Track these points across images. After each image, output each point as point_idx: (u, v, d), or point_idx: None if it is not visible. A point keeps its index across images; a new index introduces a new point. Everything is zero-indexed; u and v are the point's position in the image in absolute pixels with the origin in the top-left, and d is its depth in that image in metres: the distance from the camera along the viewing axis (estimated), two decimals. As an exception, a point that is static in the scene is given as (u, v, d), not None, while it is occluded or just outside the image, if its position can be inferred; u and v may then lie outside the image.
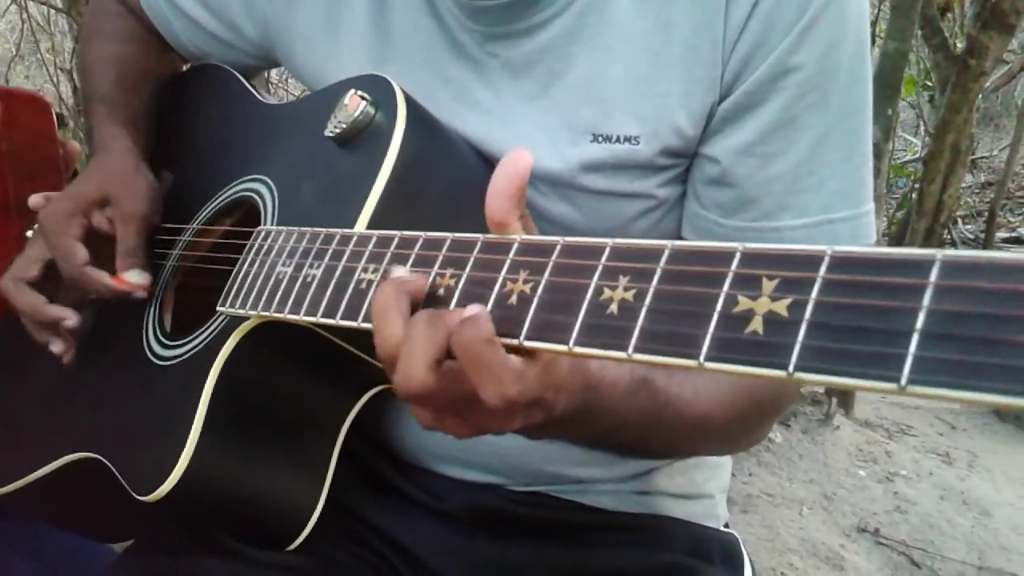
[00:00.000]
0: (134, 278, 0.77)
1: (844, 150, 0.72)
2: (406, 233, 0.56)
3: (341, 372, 0.71)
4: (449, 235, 0.53)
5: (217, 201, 0.83)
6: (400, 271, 0.53)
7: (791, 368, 0.32)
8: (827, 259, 0.34)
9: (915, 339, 0.29)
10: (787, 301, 0.34)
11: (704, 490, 0.90)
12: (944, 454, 2.91)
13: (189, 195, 0.87)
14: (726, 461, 0.96)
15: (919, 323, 0.29)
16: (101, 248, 0.79)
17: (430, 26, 0.79)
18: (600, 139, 0.74)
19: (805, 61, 0.69)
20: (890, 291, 0.31)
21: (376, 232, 0.58)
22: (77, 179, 0.84)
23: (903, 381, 0.29)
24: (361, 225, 0.64)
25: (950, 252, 0.30)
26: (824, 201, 0.71)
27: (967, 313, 0.29)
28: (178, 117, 0.96)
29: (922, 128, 5.46)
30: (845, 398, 3.01)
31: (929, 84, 4.24)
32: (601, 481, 0.83)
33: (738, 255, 0.37)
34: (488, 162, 0.76)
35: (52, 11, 5.34)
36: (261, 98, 0.89)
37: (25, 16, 5.98)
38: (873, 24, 3.00)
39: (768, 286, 0.35)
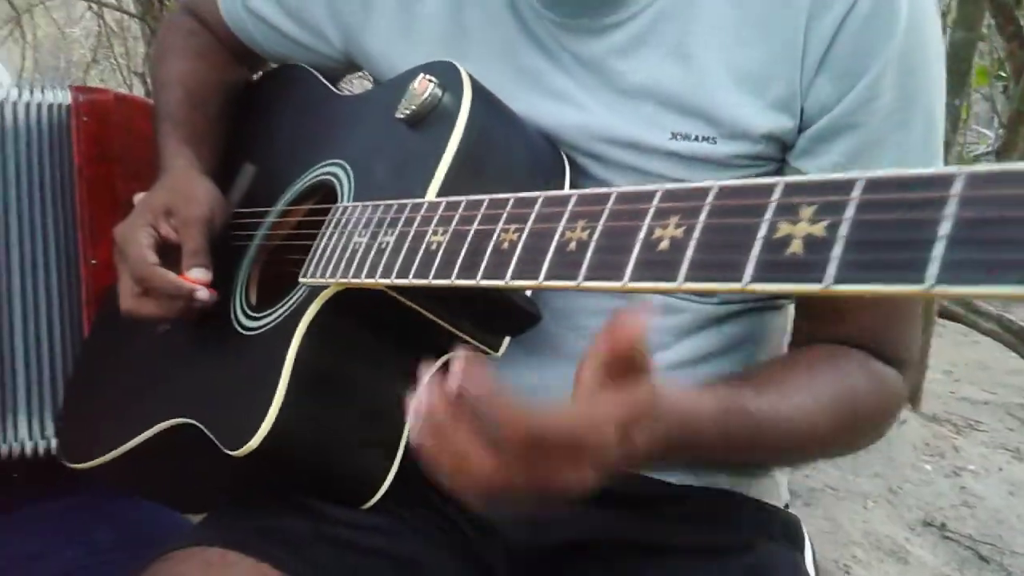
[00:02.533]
0: (198, 275, 0.83)
1: (924, 163, 0.75)
2: (472, 197, 0.60)
3: (417, 338, 0.75)
4: (512, 195, 0.57)
5: (298, 186, 0.89)
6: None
7: (828, 282, 0.36)
8: (861, 182, 0.37)
9: (941, 245, 0.32)
10: (825, 223, 0.37)
11: (766, 471, 0.92)
12: (1014, 449, 2.86)
13: (272, 183, 0.92)
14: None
15: (944, 230, 0.32)
16: (171, 253, 0.85)
17: (507, 19, 0.83)
18: (679, 137, 0.77)
19: (892, 86, 0.73)
20: (917, 205, 0.34)
21: (444, 199, 0.63)
22: (145, 194, 0.91)
23: (930, 282, 0.32)
24: (430, 197, 0.69)
25: (973, 167, 0.33)
26: None
27: (988, 219, 0.32)
28: (261, 113, 1.02)
29: (996, 120, 5.37)
30: (912, 393, 2.97)
31: (1003, 75, 4.16)
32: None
33: (780, 186, 0.40)
34: (557, 145, 0.81)
35: (126, 17, 5.54)
36: (328, 87, 0.95)
37: (100, 23, 6.22)
38: (944, 15, 2.98)
39: (807, 212, 0.38)
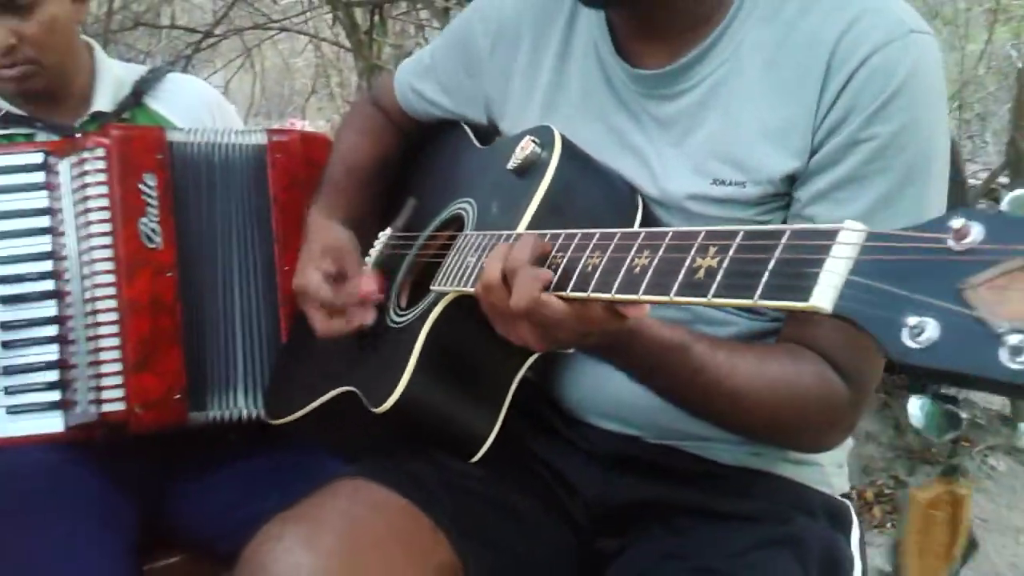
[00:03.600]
0: (366, 285, 1.13)
1: (910, 215, 0.90)
2: (548, 231, 0.84)
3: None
4: (582, 231, 0.79)
5: (442, 216, 1.15)
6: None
7: (709, 296, 0.56)
8: (740, 234, 0.57)
9: (766, 275, 0.52)
10: (716, 259, 0.57)
11: (812, 459, 1.08)
12: None
13: (426, 213, 1.19)
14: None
15: (769, 266, 0.52)
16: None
17: (602, 89, 1.06)
18: (717, 182, 0.98)
19: (876, 135, 0.90)
20: (761, 249, 0.54)
21: (529, 232, 0.87)
22: (303, 249, 1.24)
23: (757, 299, 0.52)
24: (520, 230, 0.93)
25: (801, 227, 0.53)
26: None
27: (795, 259, 0.51)
28: (425, 158, 1.30)
29: None
30: (1082, 433, 2.90)
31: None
32: (719, 440, 1.04)
33: (702, 234, 0.61)
34: (633, 188, 1.03)
35: (341, 51, 6.10)
36: (476, 143, 1.21)
37: (319, 55, 6.86)
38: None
39: (712, 251, 0.59)
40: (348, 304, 1.13)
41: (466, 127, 1.25)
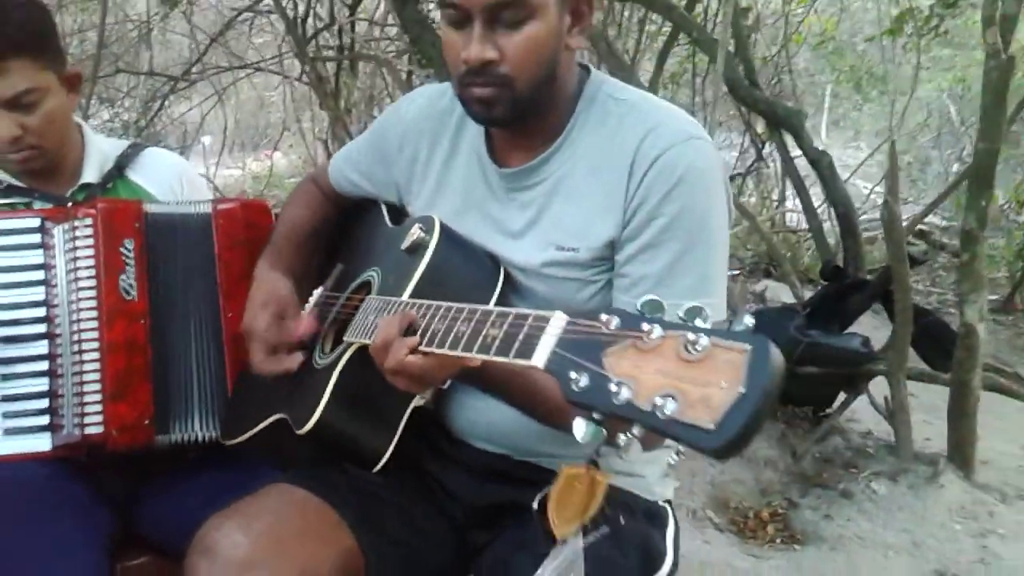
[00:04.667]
0: (303, 326, 1.45)
1: (692, 276, 1.24)
2: (414, 300, 1.16)
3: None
4: (439, 304, 1.12)
5: (358, 280, 1.47)
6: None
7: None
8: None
9: (516, 344, 0.86)
10: (498, 330, 0.91)
11: (637, 471, 1.40)
12: (1056, 522, 3.06)
13: (349, 276, 1.52)
14: (655, 456, 1.44)
15: (519, 337, 0.86)
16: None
17: (479, 181, 1.40)
18: (560, 249, 1.31)
19: (663, 214, 1.24)
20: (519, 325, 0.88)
21: (412, 300, 1.19)
22: (249, 298, 1.52)
23: (511, 357, 0.86)
24: (404, 298, 1.25)
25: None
26: (676, 295, 1.23)
27: (529, 334, 0.85)
28: (351, 230, 1.63)
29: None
30: (963, 459, 3.22)
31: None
32: (566, 456, 1.36)
33: (493, 312, 0.94)
34: (497, 262, 1.35)
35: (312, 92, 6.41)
36: (388, 222, 1.54)
37: (293, 92, 7.18)
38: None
39: (496, 324, 0.92)
40: (285, 342, 1.44)
41: (383, 207, 1.57)
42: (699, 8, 5.38)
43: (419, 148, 1.47)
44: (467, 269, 1.34)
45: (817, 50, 7.78)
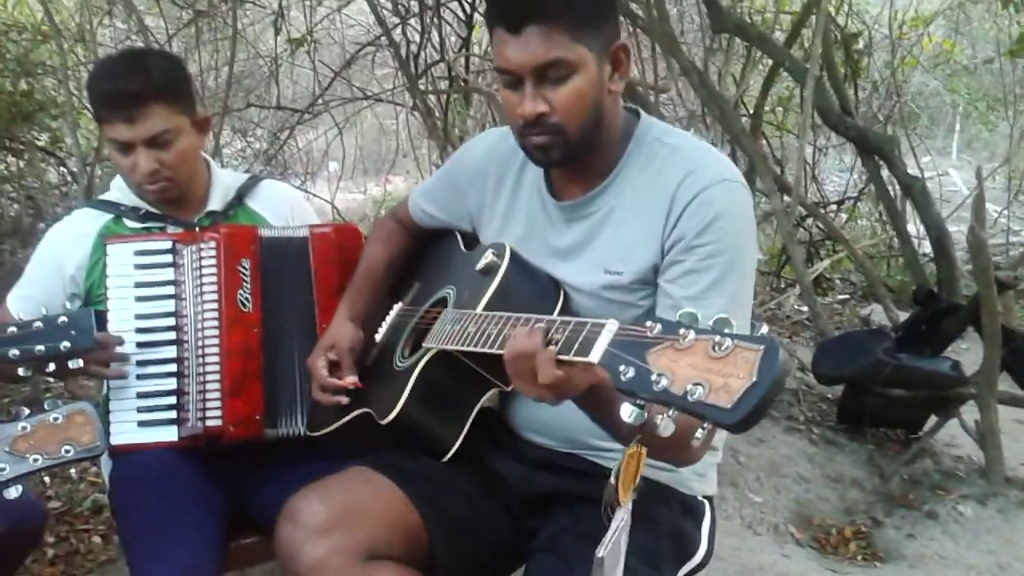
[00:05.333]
0: (349, 377, 1.67)
1: (724, 298, 1.40)
2: (487, 312, 1.36)
3: (474, 378, 1.52)
4: (507, 313, 1.32)
5: (435, 296, 1.69)
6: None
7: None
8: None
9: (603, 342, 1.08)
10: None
11: (672, 468, 1.55)
12: None
13: (426, 293, 1.74)
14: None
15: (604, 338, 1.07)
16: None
17: (540, 213, 1.60)
18: (608, 272, 1.49)
19: (701, 244, 1.42)
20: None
21: (486, 312, 1.39)
22: (322, 336, 1.79)
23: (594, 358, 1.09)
24: (479, 310, 1.45)
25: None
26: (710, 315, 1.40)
27: (588, 337, 1.05)
28: (428, 254, 1.85)
29: None
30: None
31: None
32: (609, 450, 1.53)
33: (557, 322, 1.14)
34: (557, 283, 1.55)
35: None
36: (462, 247, 1.75)
37: (414, 118, 7.54)
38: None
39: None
40: (333, 386, 1.70)
41: (458, 234, 1.79)
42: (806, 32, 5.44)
43: (488, 183, 1.68)
44: (531, 288, 1.54)
45: (935, 72, 7.65)
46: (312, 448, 1.88)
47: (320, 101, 5.56)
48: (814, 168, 6.82)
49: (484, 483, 1.60)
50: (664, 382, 1.01)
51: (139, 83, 1.87)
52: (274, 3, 5.12)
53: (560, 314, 1.50)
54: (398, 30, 5.06)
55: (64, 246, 2.00)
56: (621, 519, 1.23)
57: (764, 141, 5.81)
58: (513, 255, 1.55)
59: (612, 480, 1.23)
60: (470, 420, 1.56)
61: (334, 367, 1.72)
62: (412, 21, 5.18)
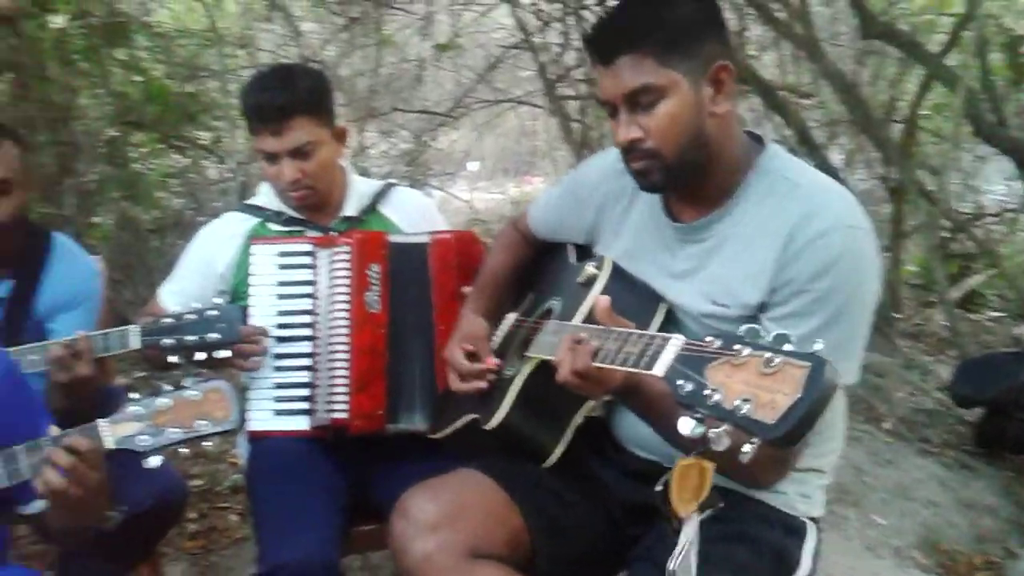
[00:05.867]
0: (492, 360, 1.75)
1: (836, 340, 1.39)
2: (583, 324, 1.42)
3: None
4: (596, 326, 1.37)
5: (544, 306, 1.76)
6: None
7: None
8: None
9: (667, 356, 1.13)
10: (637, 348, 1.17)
11: (779, 487, 1.57)
12: None
13: (538, 303, 1.80)
14: (799, 477, 1.59)
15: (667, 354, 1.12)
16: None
17: (652, 231, 1.63)
18: (715, 304, 1.51)
19: (812, 290, 1.42)
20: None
21: (582, 324, 1.45)
22: (454, 331, 1.87)
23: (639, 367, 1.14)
24: (575, 323, 1.51)
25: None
26: None
27: (654, 351, 1.10)
28: (543, 266, 1.92)
29: None
30: None
31: None
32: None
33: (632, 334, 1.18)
34: (658, 297, 1.58)
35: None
36: (572, 260, 1.81)
37: (555, 119, 7.64)
38: None
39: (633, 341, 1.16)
40: (471, 374, 1.77)
41: (571, 246, 1.85)
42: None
43: (605, 199, 1.73)
44: (630, 301, 1.58)
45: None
46: (430, 447, 1.98)
47: (461, 104, 5.73)
48: (972, 178, 6.50)
49: (587, 490, 1.66)
50: (717, 396, 1.06)
51: (285, 98, 2.03)
52: (422, 10, 5.30)
53: (660, 330, 1.54)
54: (541, 35, 5.14)
55: (215, 246, 2.18)
56: (688, 534, 1.27)
57: (918, 148, 5.59)
58: (614, 269, 1.60)
59: (660, 487, 1.29)
60: (571, 429, 1.62)
61: (471, 357, 1.79)
62: (555, 26, 5.26)
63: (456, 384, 1.79)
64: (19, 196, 2.06)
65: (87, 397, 1.76)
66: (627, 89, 1.45)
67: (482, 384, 1.73)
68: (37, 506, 1.58)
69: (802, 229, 1.43)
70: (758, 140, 1.58)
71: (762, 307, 1.47)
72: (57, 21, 4.28)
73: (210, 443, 3.30)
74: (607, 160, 1.76)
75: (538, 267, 1.96)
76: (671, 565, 1.23)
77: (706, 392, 1.07)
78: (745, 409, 1.01)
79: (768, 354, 1.03)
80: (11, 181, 2.02)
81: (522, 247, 1.97)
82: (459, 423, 1.77)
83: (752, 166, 1.53)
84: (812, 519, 1.62)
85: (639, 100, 1.45)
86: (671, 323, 1.58)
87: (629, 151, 1.49)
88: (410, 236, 2.15)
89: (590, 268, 1.59)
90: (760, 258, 1.47)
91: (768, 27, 4.31)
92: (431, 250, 2.10)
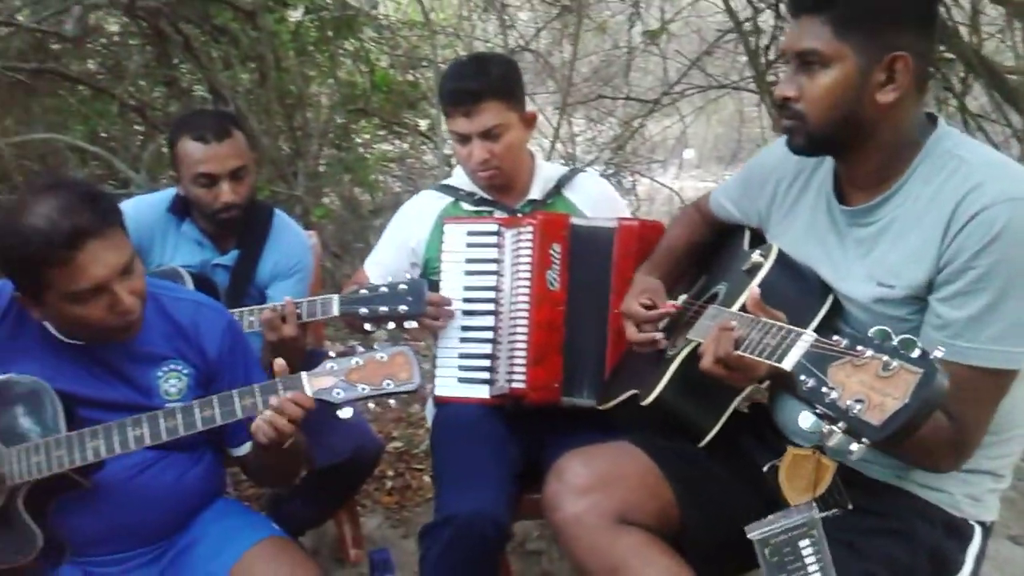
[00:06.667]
0: (670, 303, 1.81)
1: (1000, 324, 1.37)
2: (738, 312, 1.45)
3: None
4: (746, 315, 1.40)
5: (711, 291, 1.79)
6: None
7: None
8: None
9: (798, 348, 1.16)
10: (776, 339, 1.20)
11: (942, 487, 1.53)
12: None
13: (707, 287, 1.84)
14: (967, 478, 1.54)
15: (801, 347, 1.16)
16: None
17: (824, 216, 1.63)
18: (880, 285, 1.50)
19: (977, 266, 1.38)
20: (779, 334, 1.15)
21: (737, 312, 1.48)
22: (630, 289, 1.93)
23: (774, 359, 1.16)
24: (736, 308, 1.54)
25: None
26: (982, 340, 1.38)
27: (784, 343, 1.12)
28: (719, 249, 1.95)
29: None
30: None
31: None
32: (871, 462, 1.54)
33: (773, 325, 1.21)
34: (826, 286, 1.58)
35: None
36: (744, 246, 1.82)
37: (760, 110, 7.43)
38: None
39: (774, 332, 1.20)
40: (652, 319, 1.83)
41: (747, 232, 1.87)
42: None
43: (779, 184, 1.74)
44: (794, 290, 1.59)
45: None
46: (601, 423, 2.05)
47: (670, 91, 5.72)
48: None
49: (742, 472, 1.68)
50: (834, 394, 1.09)
51: (479, 83, 2.17)
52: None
53: (825, 319, 1.54)
54: (751, 21, 5.05)
55: (411, 222, 2.36)
56: (795, 522, 1.29)
57: None
58: (779, 257, 1.61)
59: (765, 470, 1.37)
60: (728, 411, 1.65)
61: (648, 308, 1.87)
62: (768, 12, 5.14)
63: (634, 335, 1.85)
64: (252, 177, 2.36)
65: (293, 355, 1.97)
66: (799, 47, 1.48)
67: (658, 334, 1.80)
68: (245, 448, 1.82)
69: (965, 204, 1.40)
70: (932, 120, 1.55)
71: (929, 286, 1.44)
72: (294, 15, 4.70)
73: (412, 408, 3.58)
74: (785, 145, 1.76)
75: (715, 251, 1.99)
76: (752, 533, 1.27)
77: (824, 389, 1.10)
78: (856, 409, 1.05)
79: (886, 357, 1.06)
80: (246, 167, 2.31)
81: (700, 227, 2.00)
82: (622, 397, 1.83)
83: (922, 147, 1.51)
84: (981, 523, 1.56)
85: (807, 60, 1.48)
86: (837, 313, 1.57)
87: (781, 107, 1.53)
88: (597, 220, 2.23)
89: (756, 256, 1.62)
90: (925, 236, 1.45)
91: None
92: (617, 235, 2.16)
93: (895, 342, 1.08)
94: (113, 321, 1.64)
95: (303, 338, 2.17)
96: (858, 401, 1.05)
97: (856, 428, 1.05)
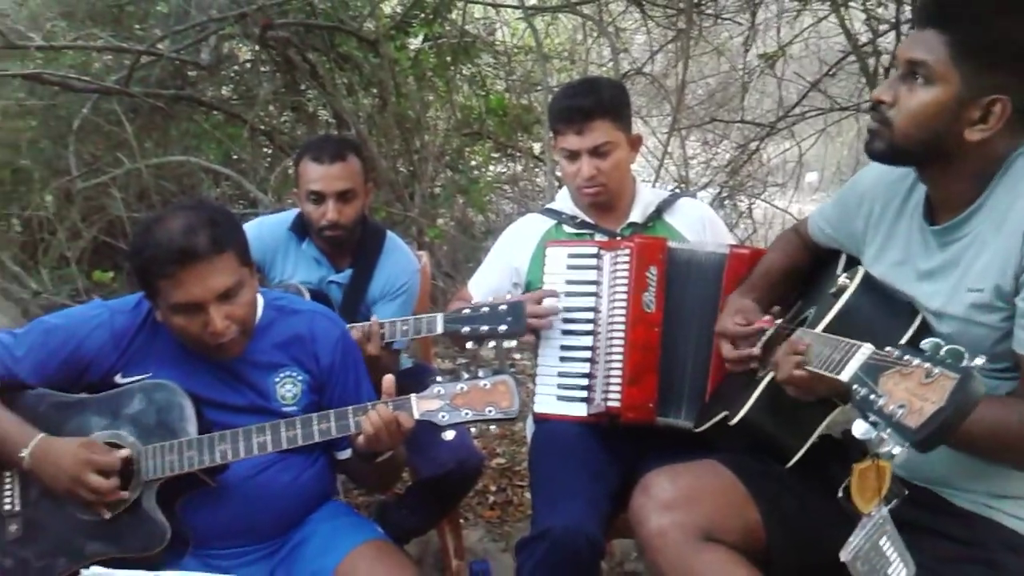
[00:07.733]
0: (766, 317, 1.86)
1: None
2: (820, 333, 1.49)
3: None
4: (819, 333, 1.44)
5: (804, 315, 1.81)
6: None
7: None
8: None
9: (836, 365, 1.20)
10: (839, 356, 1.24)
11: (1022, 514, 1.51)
12: None
13: (803, 310, 1.86)
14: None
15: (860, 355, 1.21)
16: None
17: (917, 237, 1.64)
18: (969, 291, 1.51)
19: None
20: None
21: (822, 334, 1.52)
22: (724, 310, 1.98)
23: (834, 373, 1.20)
24: (818, 331, 1.57)
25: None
26: None
27: (842, 359, 1.17)
28: (814, 275, 1.97)
29: None
30: None
31: None
32: (958, 489, 1.54)
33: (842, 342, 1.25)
34: (914, 308, 1.59)
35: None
36: (837, 270, 1.84)
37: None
38: None
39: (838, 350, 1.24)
40: (746, 334, 1.87)
41: (843, 256, 1.88)
42: None
43: (874, 207, 1.76)
44: (880, 312, 1.60)
45: None
46: (698, 444, 2.06)
47: (790, 114, 5.66)
48: None
49: (828, 496, 1.69)
50: (881, 402, 1.16)
51: (590, 101, 2.27)
52: (755, 19, 5.33)
53: (914, 339, 1.55)
54: (871, 44, 4.97)
55: (515, 244, 2.45)
56: (873, 525, 1.37)
57: None
58: (865, 279, 1.63)
59: (840, 493, 1.41)
60: (815, 434, 1.67)
61: (741, 324, 1.92)
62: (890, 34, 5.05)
63: (729, 353, 1.90)
64: (360, 201, 2.51)
65: (374, 373, 2.05)
66: (910, 55, 1.51)
67: (754, 350, 1.84)
68: (347, 453, 1.95)
69: None
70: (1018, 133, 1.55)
71: (1016, 284, 1.46)
72: (414, 43, 4.91)
73: (515, 426, 3.67)
74: (882, 167, 1.78)
75: (812, 276, 2.01)
76: (844, 555, 1.28)
77: (873, 397, 1.17)
78: (899, 414, 1.12)
79: (928, 364, 1.13)
80: (354, 190, 2.47)
81: (798, 251, 2.02)
82: (715, 419, 1.87)
83: (1003, 160, 1.53)
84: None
85: (913, 71, 1.51)
86: (926, 335, 1.57)
87: (874, 108, 1.57)
88: (703, 244, 2.27)
89: (842, 279, 1.64)
90: (1006, 243, 1.47)
91: None
92: (728, 262, 2.19)
93: (943, 351, 1.14)
94: (207, 339, 1.79)
95: (386, 358, 2.30)
96: (900, 407, 1.12)
97: (897, 432, 1.11)
